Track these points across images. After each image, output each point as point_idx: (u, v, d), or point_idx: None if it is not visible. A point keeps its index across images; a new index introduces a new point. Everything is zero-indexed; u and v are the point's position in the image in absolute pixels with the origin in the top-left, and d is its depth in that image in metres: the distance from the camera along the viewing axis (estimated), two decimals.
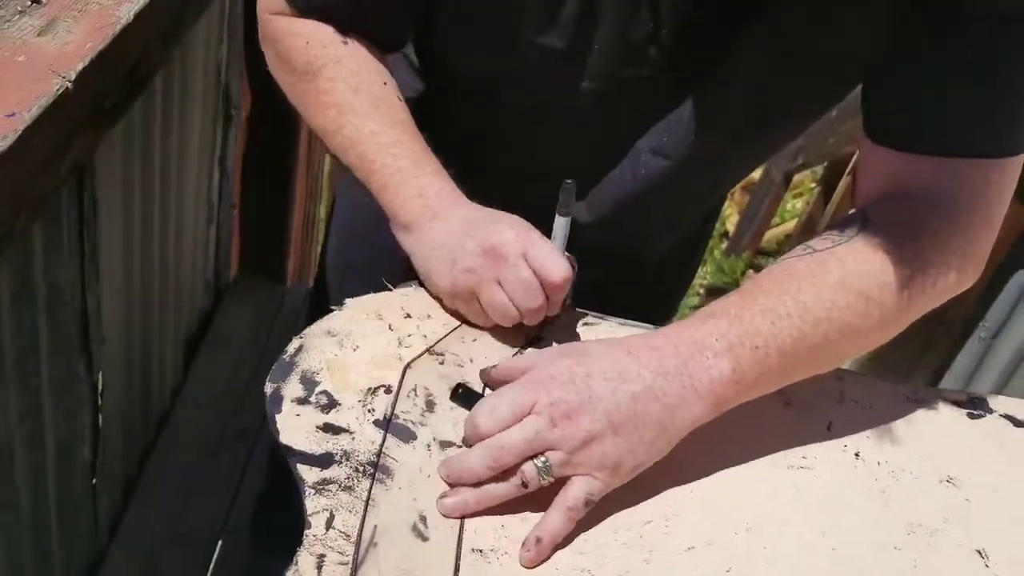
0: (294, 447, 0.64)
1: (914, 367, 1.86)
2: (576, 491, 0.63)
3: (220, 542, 1.61)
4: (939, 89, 0.69)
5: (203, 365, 1.82)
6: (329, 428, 0.67)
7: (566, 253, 0.75)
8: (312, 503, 0.60)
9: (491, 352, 0.77)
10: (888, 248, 0.69)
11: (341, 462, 0.64)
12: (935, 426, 0.80)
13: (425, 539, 0.61)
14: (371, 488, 0.63)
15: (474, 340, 0.78)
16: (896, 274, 0.69)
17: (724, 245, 3.21)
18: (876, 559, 0.68)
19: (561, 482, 0.64)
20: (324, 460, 0.64)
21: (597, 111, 0.82)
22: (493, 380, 0.72)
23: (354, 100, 0.79)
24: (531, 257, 0.71)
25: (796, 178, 2.95)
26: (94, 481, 1.36)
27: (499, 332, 0.78)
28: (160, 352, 1.62)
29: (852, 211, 0.76)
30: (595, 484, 0.64)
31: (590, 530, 0.65)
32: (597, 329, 0.81)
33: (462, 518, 0.64)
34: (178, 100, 1.39)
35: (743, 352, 0.66)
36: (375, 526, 0.60)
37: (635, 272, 0.99)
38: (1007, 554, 0.70)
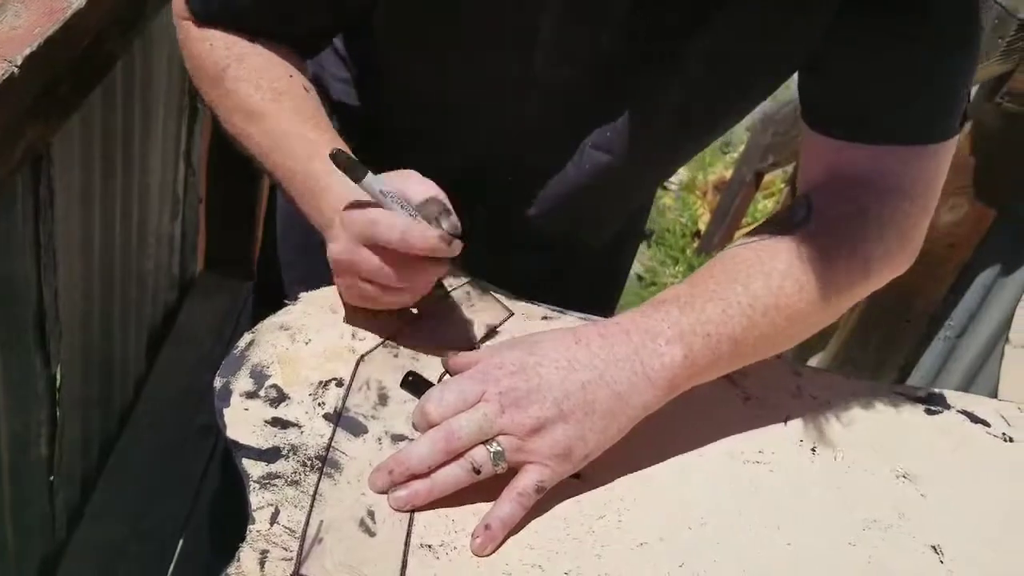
0: (240, 441, 0.63)
1: (880, 366, 1.87)
2: (527, 479, 0.63)
3: (182, 539, 1.59)
4: (874, 81, 0.70)
5: (167, 360, 1.80)
6: (277, 422, 0.65)
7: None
8: (256, 498, 0.59)
9: (446, 344, 0.76)
10: (833, 235, 0.71)
11: (288, 456, 0.63)
12: (892, 421, 0.80)
13: (372, 534, 0.60)
14: (318, 482, 0.61)
15: (431, 331, 0.77)
16: (842, 260, 0.72)
17: (696, 244, 3.22)
18: (831, 554, 0.68)
19: (513, 474, 0.64)
20: (270, 454, 0.63)
21: (540, 111, 0.81)
22: (452, 367, 0.71)
23: (257, 98, 0.75)
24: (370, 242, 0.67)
25: (767, 178, 2.96)
26: (51, 477, 1.34)
27: (456, 326, 0.77)
28: (122, 347, 1.60)
29: (797, 197, 0.76)
30: (546, 472, 0.63)
31: (541, 525, 0.64)
32: (556, 324, 0.80)
33: (413, 511, 0.63)
34: (140, 91, 1.37)
35: (695, 339, 0.67)
36: (321, 521, 0.59)
37: (575, 261, 0.98)
38: (962, 550, 0.70)
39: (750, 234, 0.75)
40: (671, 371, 0.66)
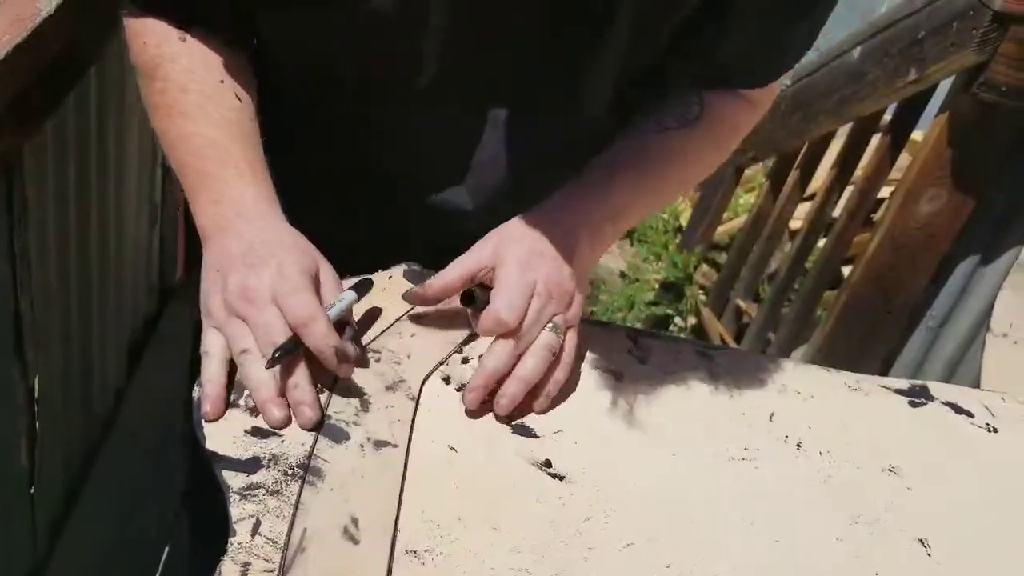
0: (220, 452, 0.62)
1: (862, 357, 1.88)
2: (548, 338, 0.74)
3: (167, 548, 1.58)
4: (727, 41, 0.81)
5: (148, 368, 1.78)
6: (258, 432, 0.65)
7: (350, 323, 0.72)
8: (237, 510, 0.58)
9: (430, 347, 0.75)
10: (718, 128, 0.88)
11: (269, 466, 0.62)
12: (877, 415, 0.80)
13: (356, 542, 0.60)
14: (300, 491, 0.61)
15: (412, 335, 0.76)
16: (720, 145, 0.91)
17: (678, 240, 3.22)
18: (819, 551, 0.67)
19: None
20: (251, 465, 0.62)
21: (447, 81, 0.79)
22: (448, 285, 0.75)
23: (183, 100, 0.76)
24: (282, 304, 0.67)
25: (747, 172, 2.96)
26: (32, 489, 1.32)
27: (437, 326, 0.77)
28: (102, 355, 1.58)
29: (689, 94, 0.86)
30: (575, 332, 0.77)
31: (528, 528, 0.64)
32: None
33: (398, 516, 0.62)
34: (115, 97, 1.36)
35: (628, 220, 0.85)
36: (304, 530, 0.59)
37: None
38: (948, 542, 0.70)
39: (656, 120, 0.86)
40: (609, 242, 0.84)
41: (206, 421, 0.65)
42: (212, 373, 0.67)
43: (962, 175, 1.65)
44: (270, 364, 0.65)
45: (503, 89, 0.81)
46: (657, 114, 0.86)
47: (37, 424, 1.29)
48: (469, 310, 0.75)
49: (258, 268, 0.69)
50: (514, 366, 0.73)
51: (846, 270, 2.17)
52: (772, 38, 0.81)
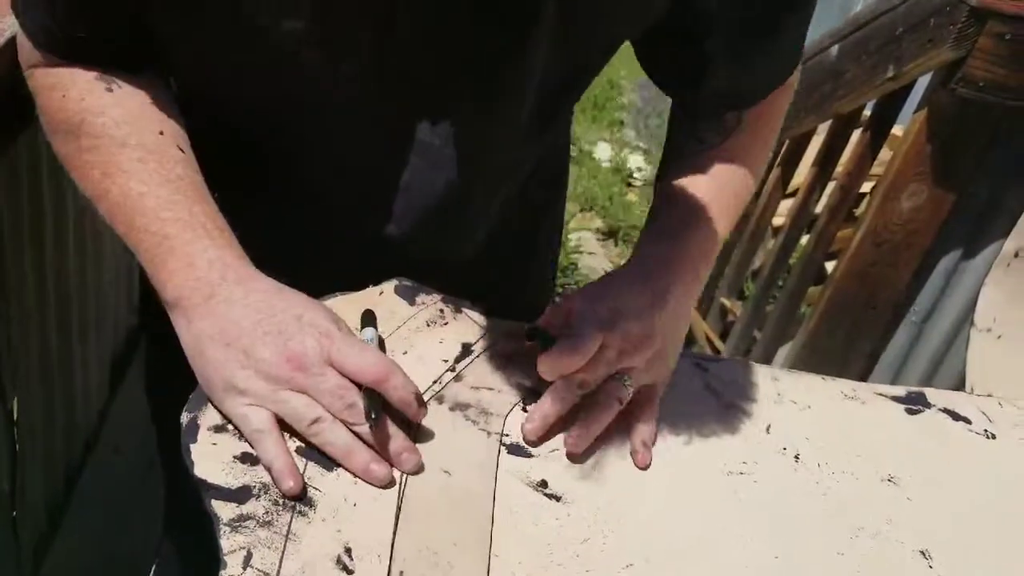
0: (209, 480, 0.61)
1: (847, 353, 1.88)
2: (615, 387, 0.71)
3: (154, 566, 1.56)
4: (740, 53, 0.79)
5: (131, 386, 1.76)
6: (247, 458, 0.63)
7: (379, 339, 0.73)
8: (227, 542, 0.57)
9: (419, 368, 0.74)
10: (762, 123, 0.88)
11: (259, 495, 0.60)
12: (874, 424, 0.79)
13: (351, 572, 0.58)
14: (291, 521, 0.59)
15: (404, 352, 0.75)
16: (768, 136, 0.90)
17: None
18: (820, 566, 0.66)
19: None
20: (241, 494, 0.60)
21: (369, 103, 0.73)
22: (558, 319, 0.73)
23: (120, 157, 0.69)
24: (337, 363, 0.65)
25: None
26: (14, 512, 1.29)
27: (429, 344, 0.75)
28: (84, 374, 1.55)
29: (727, 114, 0.85)
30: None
31: (525, 551, 0.63)
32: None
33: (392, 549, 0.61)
34: None
35: (710, 257, 0.81)
36: (297, 562, 0.57)
37: (468, 277, 0.85)
38: (950, 553, 0.69)
39: (697, 140, 0.86)
40: (702, 285, 0.81)
41: (289, 498, 0.61)
42: (275, 449, 0.63)
43: (942, 170, 1.65)
44: (376, 429, 0.64)
45: (424, 106, 0.75)
46: (697, 134, 0.85)
47: (17, 447, 1.26)
48: (534, 346, 0.72)
49: (290, 332, 0.65)
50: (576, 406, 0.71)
51: (830, 266, 2.17)
52: (780, 49, 0.81)
